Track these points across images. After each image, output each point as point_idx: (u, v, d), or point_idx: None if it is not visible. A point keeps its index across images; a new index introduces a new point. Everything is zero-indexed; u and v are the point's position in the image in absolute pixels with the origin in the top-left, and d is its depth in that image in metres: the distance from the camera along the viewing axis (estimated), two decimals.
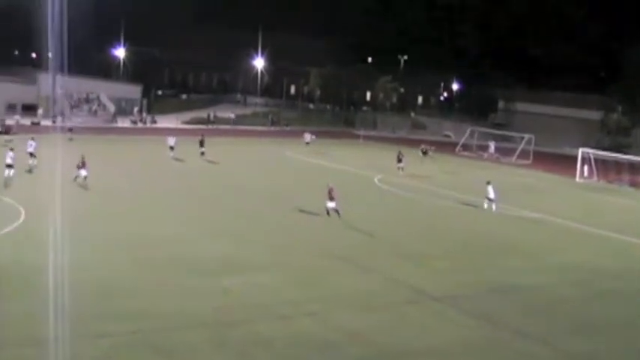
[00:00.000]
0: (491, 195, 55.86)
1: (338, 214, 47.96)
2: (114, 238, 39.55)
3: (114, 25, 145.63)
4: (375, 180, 67.49)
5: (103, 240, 38.91)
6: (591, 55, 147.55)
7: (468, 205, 58.52)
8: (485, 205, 56.01)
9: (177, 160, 72.03)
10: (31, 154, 61.50)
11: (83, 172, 54.71)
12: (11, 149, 57.49)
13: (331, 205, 48.12)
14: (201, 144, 75.62)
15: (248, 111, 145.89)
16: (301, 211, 50.42)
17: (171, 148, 74.33)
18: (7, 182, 53.37)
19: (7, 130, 74.26)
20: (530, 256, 43.20)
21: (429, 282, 35.56)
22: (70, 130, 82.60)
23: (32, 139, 63.63)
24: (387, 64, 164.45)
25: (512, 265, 40.68)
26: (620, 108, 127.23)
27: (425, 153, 74.95)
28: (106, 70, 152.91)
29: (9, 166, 55.03)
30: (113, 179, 59.01)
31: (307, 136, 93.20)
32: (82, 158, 55.51)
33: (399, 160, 73.67)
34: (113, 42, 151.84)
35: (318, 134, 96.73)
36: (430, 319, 30.32)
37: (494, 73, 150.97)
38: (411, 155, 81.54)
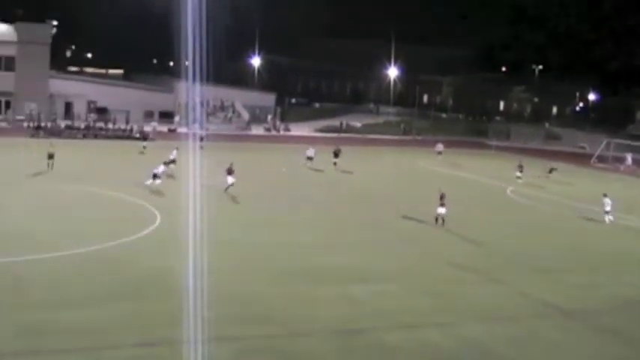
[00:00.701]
0: (608, 207, 54.52)
1: (443, 221, 48.02)
2: (245, 245, 40.20)
3: (249, 34, 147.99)
4: (508, 191, 66.72)
5: (233, 247, 39.56)
6: None
7: (601, 219, 57.24)
8: (607, 220, 54.67)
9: (314, 170, 72.48)
10: (173, 161, 62.91)
11: (230, 179, 55.74)
12: (165, 163, 59.76)
13: (441, 211, 47.97)
14: (336, 155, 75.63)
15: (380, 120, 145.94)
16: (426, 220, 50.15)
17: (310, 158, 74.50)
18: (152, 188, 54.72)
19: (145, 137, 76.20)
20: None
21: (559, 296, 34.97)
22: (202, 139, 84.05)
23: (177, 148, 64.84)
24: (521, 74, 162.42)
25: None
26: None
27: (551, 172, 73.33)
28: (241, 78, 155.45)
29: (155, 176, 56.45)
30: (250, 187, 59.88)
31: (439, 146, 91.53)
32: (231, 165, 56.61)
33: (520, 171, 73.41)
34: (248, 51, 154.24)
35: (448, 144, 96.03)
36: (559, 334, 29.79)
37: (631, 84, 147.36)
38: (539, 168, 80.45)
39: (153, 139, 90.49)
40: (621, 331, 30.78)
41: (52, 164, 60.70)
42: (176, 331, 25.96)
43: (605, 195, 55.40)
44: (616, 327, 31.23)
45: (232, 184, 55.42)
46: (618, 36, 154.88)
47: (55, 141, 69.75)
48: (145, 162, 63.74)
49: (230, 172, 55.94)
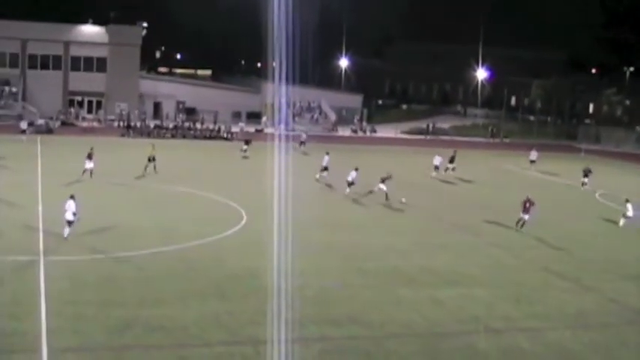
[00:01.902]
0: (630, 213, 52.92)
1: (522, 225, 47.41)
2: (331, 247, 40.34)
3: (337, 35, 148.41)
4: (596, 195, 65.60)
5: (318, 248, 39.63)
6: None
7: None
8: (621, 223, 53.24)
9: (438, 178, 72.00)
10: (325, 168, 63.71)
11: (353, 174, 57.13)
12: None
13: (525, 216, 47.30)
14: (452, 160, 73.46)
15: (468, 122, 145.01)
16: (511, 225, 49.54)
17: (436, 167, 71.39)
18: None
19: (247, 141, 76.57)
20: None
21: None
22: (302, 143, 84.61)
23: (327, 153, 64.90)
24: (613, 76, 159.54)
25: None
26: None
27: (586, 175, 70.42)
28: (329, 79, 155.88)
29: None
30: (330, 188, 60.03)
31: (533, 154, 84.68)
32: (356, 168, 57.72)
33: (585, 175, 70.08)
34: (336, 52, 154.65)
35: (537, 147, 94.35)
36: None
37: None
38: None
39: (250, 142, 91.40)
40: None
41: (155, 166, 60.73)
42: (262, 330, 26.14)
43: (627, 200, 53.81)
44: None
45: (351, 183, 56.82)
46: None
47: (156, 142, 70.70)
48: (246, 164, 64.08)
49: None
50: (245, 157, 73.32)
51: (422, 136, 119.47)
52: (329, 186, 61.03)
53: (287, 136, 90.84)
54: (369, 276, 35.00)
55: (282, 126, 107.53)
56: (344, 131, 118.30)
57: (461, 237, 45.71)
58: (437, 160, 71.27)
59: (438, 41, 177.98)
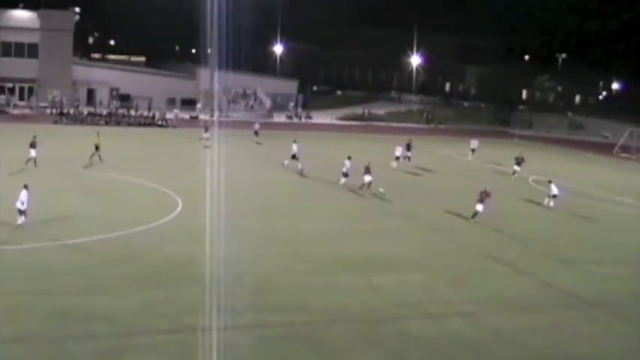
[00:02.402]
0: (555, 192, 54.05)
1: (473, 216, 47.20)
2: (270, 234, 40.22)
3: (272, 21, 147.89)
4: (530, 180, 66.37)
5: (259, 235, 39.52)
6: None
7: (626, 209, 57.04)
8: (546, 202, 54.50)
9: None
10: (294, 156, 63.51)
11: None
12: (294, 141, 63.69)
13: (479, 208, 47.19)
14: (408, 148, 73.43)
15: (403, 108, 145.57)
16: (456, 212, 50.00)
17: (397, 158, 69.71)
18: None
19: (206, 127, 75.36)
20: None
21: (585, 287, 34.80)
22: (256, 132, 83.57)
23: (294, 141, 64.93)
24: (545, 63, 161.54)
25: None
26: None
27: (519, 163, 70.18)
28: (264, 65, 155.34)
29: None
30: (272, 175, 59.96)
31: (474, 142, 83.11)
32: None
33: (518, 164, 68.96)
34: (271, 38, 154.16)
35: (471, 133, 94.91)
36: (585, 325, 29.66)
37: None
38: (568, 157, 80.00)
39: (176, 127, 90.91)
40: None
41: (100, 156, 59.15)
42: (200, 318, 26.01)
43: (550, 182, 54.89)
44: None
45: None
46: None
47: (90, 129, 69.60)
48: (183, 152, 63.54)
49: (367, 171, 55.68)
50: (207, 147, 71.95)
51: (357, 122, 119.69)
52: (300, 174, 60.95)
53: (221, 123, 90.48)
54: (308, 262, 35.01)
55: (218, 112, 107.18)
56: (279, 117, 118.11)
57: (400, 223, 45.89)
58: (398, 151, 70.47)
59: (373, 27, 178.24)
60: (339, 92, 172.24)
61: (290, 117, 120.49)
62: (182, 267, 32.48)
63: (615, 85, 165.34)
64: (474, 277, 34.86)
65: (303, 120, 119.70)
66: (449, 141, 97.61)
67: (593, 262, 39.88)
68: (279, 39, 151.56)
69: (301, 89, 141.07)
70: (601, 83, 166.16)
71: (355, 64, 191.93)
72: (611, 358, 26.65)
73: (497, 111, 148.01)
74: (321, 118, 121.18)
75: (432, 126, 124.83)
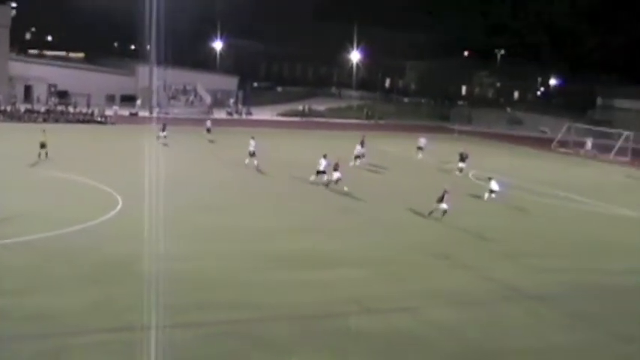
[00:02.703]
0: (495, 187, 54.93)
1: (443, 214, 47.25)
2: (213, 230, 39.98)
3: (212, 17, 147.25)
4: (470, 175, 66.86)
5: (201, 232, 39.34)
6: None
7: (565, 202, 57.79)
8: (486, 197, 55.37)
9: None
10: (252, 154, 63.27)
11: (337, 175, 55.41)
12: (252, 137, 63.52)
13: (444, 206, 47.23)
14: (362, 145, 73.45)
15: (343, 104, 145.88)
16: (400, 208, 50.23)
17: (357, 157, 69.43)
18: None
19: (164, 127, 74.51)
20: (630, 257, 42.42)
21: (525, 280, 35.15)
22: (208, 130, 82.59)
23: (252, 138, 64.45)
24: (484, 59, 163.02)
25: (611, 265, 39.92)
26: None
27: (463, 159, 70.35)
28: (204, 61, 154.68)
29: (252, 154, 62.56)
30: (213, 171, 59.67)
31: (422, 141, 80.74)
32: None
33: (462, 160, 68.93)
34: (211, 34, 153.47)
35: (412, 128, 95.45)
36: (525, 318, 29.92)
37: (593, 69, 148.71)
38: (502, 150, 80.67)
39: (114, 123, 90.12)
40: (587, 315, 30.98)
41: (46, 153, 58.54)
42: (142, 316, 25.77)
43: (490, 179, 55.74)
44: (582, 311, 31.43)
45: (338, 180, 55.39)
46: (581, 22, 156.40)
47: (28, 126, 68.66)
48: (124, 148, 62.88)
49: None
50: (165, 145, 71.38)
51: (298, 119, 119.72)
52: (259, 171, 60.97)
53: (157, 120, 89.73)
54: (251, 259, 34.81)
55: (157, 109, 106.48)
56: (219, 114, 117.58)
57: (342, 218, 45.92)
58: (357, 151, 69.90)
59: (314, 22, 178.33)
60: (279, 88, 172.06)
61: (230, 113, 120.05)
62: (122, 265, 32.08)
63: (553, 81, 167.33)
64: (416, 272, 35.02)
65: (244, 116, 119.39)
66: (389, 136, 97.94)
67: (533, 255, 40.34)
68: (219, 35, 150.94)
69: (242, 85, 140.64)
70: (539, 79, 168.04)
71: (296, 60, 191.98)
72: (551, 350, 26.87)
73: (437, 106, 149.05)
74: (261, 114, 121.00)
75: (372, 121, 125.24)
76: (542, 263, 38.69)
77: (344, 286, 31.89)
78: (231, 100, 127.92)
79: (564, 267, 38.50)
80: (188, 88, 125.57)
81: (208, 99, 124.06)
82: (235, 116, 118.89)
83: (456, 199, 54.92)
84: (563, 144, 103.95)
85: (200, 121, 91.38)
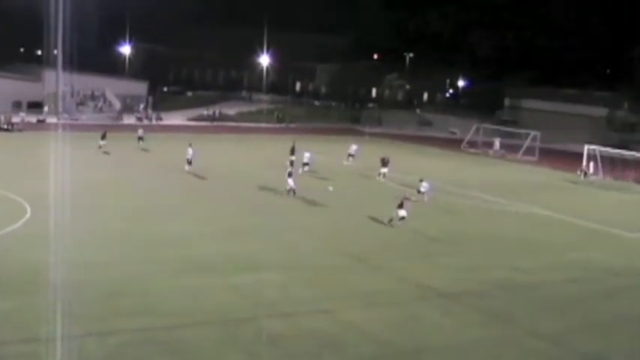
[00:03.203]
0: (423, 189, 55.96)
1: (400, 219, 47.14)
2: (125, 237, 39.48)
3: (120, 21, 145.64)
4: (380, 178, 67.22)
5: (113, 238, 38.85)
6: (597, 52, 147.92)
7: (476, 202, 58.58)
8: (414, 197, 55.68)
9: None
10: (189, 161, 63.64)
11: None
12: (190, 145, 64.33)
13: (402, 213, 47.10)
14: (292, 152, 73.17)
15: (254, 108, 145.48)
16: (317, 212, 50.39)
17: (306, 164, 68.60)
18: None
19: (104, 135, 72.86)
20: (539, 254, 43.21)
21: (438, 279, 35.57)
22: (141, 138, 79.61)
23: (190, 145, 64.63)
24: (393, 61, 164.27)
25: (521, 262, 40.60)
26: (626, 105, 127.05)
27: (385, 164, 69.89)
28: (113, 67, 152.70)
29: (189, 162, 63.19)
30: (124, 177, 58.95)
31: (353, 148, 78.03)
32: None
33: (384, 165, 67.83)
34: (119, 39, 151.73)
35: (322, 131, 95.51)
36: (439, 317, 30.27)
37: (500, 70, 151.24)
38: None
39: (21, 130, 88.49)
40: (499, 312, 31.52)
41: None
42: (54, 326, 25.33)
43: (421, 180, 56.69)
44: (494, 308, 31.98)
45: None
46: (486, 23, 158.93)
47: None
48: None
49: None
50: (105, 153, 70.17)
51: (208, 123, 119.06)
52: (197, 176, 60.94)
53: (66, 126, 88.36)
54: (164, 265, 34.52)
55: (65, 115, 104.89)
56: (129, 119, 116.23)
57: (257, 222, 45.79)
58: (306, 158, 68.32)
59: (223, 26, 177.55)
60: (189, 93, 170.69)
61: (140, 119, 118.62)
62: (31, 275, 31.41)
63: (461, 83, 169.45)
64: (331, 275, 35.10)
65: (154, 121, 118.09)
66: (301, 139, 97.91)
67: (446, 254, 40.88)
68: (127, 39, 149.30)
69: (151, 90, 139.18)
70: (447, 81, 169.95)
71: (206, 64, 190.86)
72: (466, 347, 27.22)
73: (347, 109, 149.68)
74: (172, 119, 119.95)
75: (283, 125, 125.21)
76: (455, 262, 39.22)
77: (260, 290, 31.83)
78: (141, 106, 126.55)
79: (477, 265, 39.10)
80: (97, 93, 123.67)
81: (118, 104, 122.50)
82: (145, 122, 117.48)
83: (367, 199, 55.36)
84: (472, 144, 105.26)
85: (110, 127, 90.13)
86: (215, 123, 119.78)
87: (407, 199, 48.50)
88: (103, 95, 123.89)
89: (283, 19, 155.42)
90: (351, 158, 76.96)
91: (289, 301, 30.55)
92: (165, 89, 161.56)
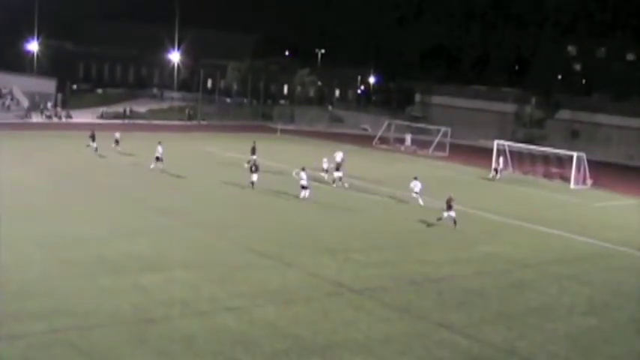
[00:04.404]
0: (417, 189, 56.53)
1: (455, 223, 48.62)
2: (31, 237, 38.83)
3: (26, 18, 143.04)
4: (293, 174, 67.33)
5: (19, 239, 38.18)
6: (506, 49, 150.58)
7: (387, 198, 59.07)
8: (420, 201, 56.64)
9: (100, 156, 70.67)
10: (158, 159, 64.50)
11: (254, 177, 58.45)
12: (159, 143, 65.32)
13: (451, 214, 48.53)
14: (93, 138, 73.11)
15: (164, 105, 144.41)
16: (222, 206, 50.26)
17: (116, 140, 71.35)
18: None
19: (94, 136, 71.35)
20: (448, 248, 43.88)
21: (349, 275, 35.80)
22: (117, 142, 77.53)
23: (160, 143, 65.56)
24: (305, 58, 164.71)
25: (430, 256, 41.17)
26: (533, 100, 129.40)
27: (338, 168, 68.73)
28: (19, 64, 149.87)
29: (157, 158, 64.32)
30: (31, 177, 57.96)
31: (339, 155, 70.96)
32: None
33: (337, 169, 65.03)
34: (26, 35, 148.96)
35: (234, 128, 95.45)
36: (350, 312, 30.44)
37: (411, 67, 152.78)
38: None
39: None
40: (409, 306, 31.83)
41: None
42: None
43: (415, 178, 57.21)
44: (404, 302, 32.27)
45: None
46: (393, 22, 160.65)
47: None
48: None
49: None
50: (101, 156, 69.34)
51: (119, 121, 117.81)
52: (108, 175, 60.72)
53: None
54: (71, 266, 34.04)
55: None
56: (38, 118, 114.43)
57: (165, 221, 45.49)
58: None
59: (134, 22, 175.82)
60: (99, 90, 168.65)
61: (49, 117, 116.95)
62: None
63: (372, 79, 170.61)
64: (241, 272, 35.05)
65: (64, 120, 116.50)
66: (212, 137, 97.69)
67: (356, 250, 41.10)
68: (35, 36, 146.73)
69: (60, 88, 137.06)
70: (359, 77, 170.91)
71: (116, 62, 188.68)
72: (377, 342, 27.40)
73: (259, 106, 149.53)
74: (82, 117, 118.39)
75: (194, 122, 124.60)
76: (365, 258, 39.49)
77: (170, 288, 31.64)
78: (50, 104, 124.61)
79: (387, 260, 39.47)
80: (4, 91, 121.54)
81: (26, 102, 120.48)
82: (55, 120, 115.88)
83: (277, 198, 55.44)
84: (383, 141, 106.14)
85: (18, 126, 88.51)
86: (126, 121, 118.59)
87: (452, 199, 49.29)
88: (11, 93, 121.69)
89: (193, 15, 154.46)
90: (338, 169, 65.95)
91: (200, 300, 30.42)
92: (74, 87, 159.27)
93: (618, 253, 46.90)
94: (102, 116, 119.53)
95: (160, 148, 64.63)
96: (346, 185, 61.15)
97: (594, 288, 37.92)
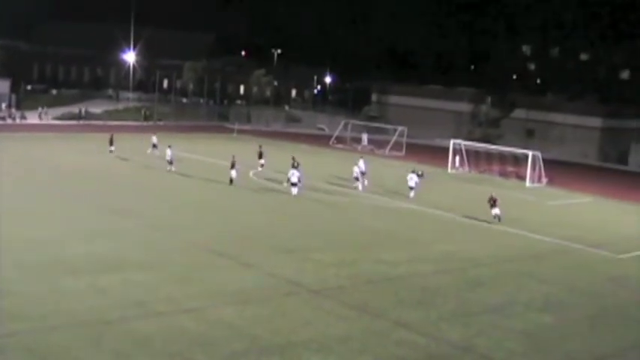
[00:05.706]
0: (412, 183, 57.94)
1: (499, 219, 52.11)
2: None
3: None
4: (250, 174, 67.27)
5: None
6: (462, 48, 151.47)
7: (344, 197, 59.15)
8: (411, 195, 59.33)
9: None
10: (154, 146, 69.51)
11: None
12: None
13: (496, 211, 52.01)
14: (111, 142, 74.23)
15: (120, 106, 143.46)
16: (179, 207, 50.09)
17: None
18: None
19: (112, 140, 71.42)
20: (406, 247, 44.13)
21: (307, 275, 35.86)
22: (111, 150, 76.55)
23: (169, 146, 67.13)
24: (261, 58, 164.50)
25: (388, 256, 41.28)
26: (489, 100, 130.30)
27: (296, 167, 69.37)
28: None
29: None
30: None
31: (361, 165, 66.68)
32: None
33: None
34: None
35: (190, 128, 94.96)
36: (309, 312, 30.48)
37: (367, 67, 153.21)
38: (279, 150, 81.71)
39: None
40: (367, 306, 31.90)
41: None
42: None
43: (414, 171, 58.29)
44: (362, 302, 32.34)
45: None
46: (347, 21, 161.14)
47: None
48: None
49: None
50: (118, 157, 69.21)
51: (74, 122, 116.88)
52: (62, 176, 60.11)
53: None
54: (27, 268, 33.68)
55: None
56: None
57: (121, 222, 45.21)
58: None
59: (88, 22, 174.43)
60: (54, 91, 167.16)
61: (3, 118, 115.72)
62: None
63: (328, 79, 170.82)
64: (199, 273, 34.95)
65: (18, 121, 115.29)
66: (168, 137, 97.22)
67: (314, 250, 41.17)
68: None
69: (14, 88, 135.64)
70: (315, 77, 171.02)
71: (70, 62, 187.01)
72: (335, 341, 27.44)
73: (215, 106, 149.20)
74: (36, 118, 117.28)
75: (150, 123, 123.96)
76: (323, 257, 39.57)
77: (128, 289, 31.45)
78: (3, 105, 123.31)
79: (345, 260, 39.54)
80: None
81: None
82: (9, 121, 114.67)
83: (237, 199, 55.38)
84: (340, 140, 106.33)
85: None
86: (81, 122, 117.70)
87: (494, 198, 52.16)
88: None
89: (149, 15, 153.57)
90: (358, 181, 65.35)
91: (157, 301, 30.27)
92: (29, 87, 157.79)
93: (573, 250, 47.41)
94: (39, 117, 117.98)
95: (169, 152, 66.28)
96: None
97: (550, 285, 38.31)
